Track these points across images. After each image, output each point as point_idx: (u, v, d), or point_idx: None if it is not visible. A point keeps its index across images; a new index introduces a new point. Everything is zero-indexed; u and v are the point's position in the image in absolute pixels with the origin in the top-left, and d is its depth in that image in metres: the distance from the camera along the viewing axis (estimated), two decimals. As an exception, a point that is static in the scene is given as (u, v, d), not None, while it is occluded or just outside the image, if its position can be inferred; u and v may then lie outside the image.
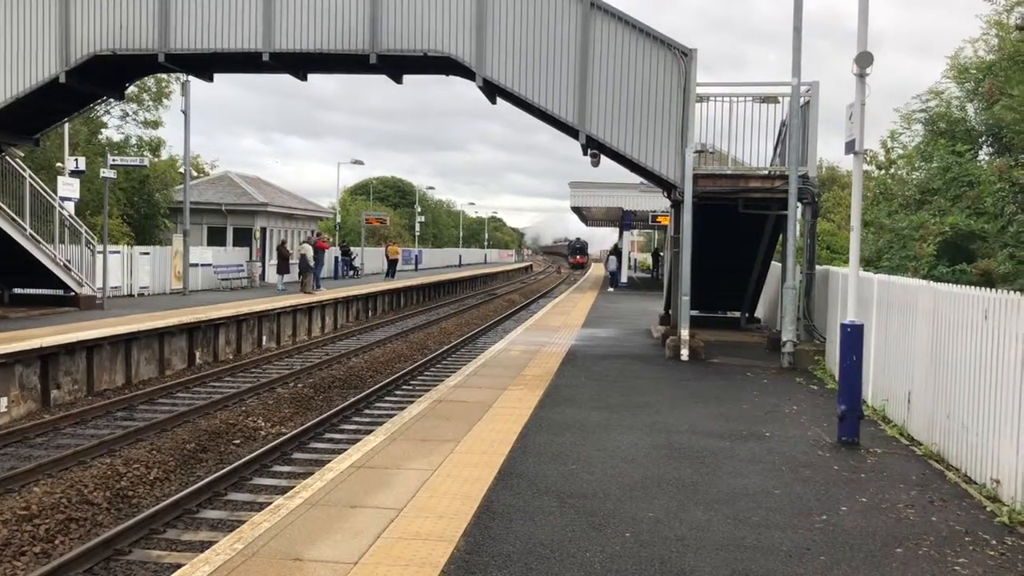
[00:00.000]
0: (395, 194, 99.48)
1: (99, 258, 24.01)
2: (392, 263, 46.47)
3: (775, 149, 17.38)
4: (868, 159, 24.60)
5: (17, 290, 22.63)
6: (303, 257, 31.16)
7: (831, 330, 14.74)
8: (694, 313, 16.54)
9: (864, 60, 9.68)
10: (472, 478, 7.70)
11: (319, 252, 34.60)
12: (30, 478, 10.80)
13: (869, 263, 19.99)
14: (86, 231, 23.91)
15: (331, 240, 49.29)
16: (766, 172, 16.54)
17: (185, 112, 30.72)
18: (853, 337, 9.78)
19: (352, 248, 49.02)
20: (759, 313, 22.68)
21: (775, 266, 20.32)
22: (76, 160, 26.28)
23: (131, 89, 29.32)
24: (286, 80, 18.71)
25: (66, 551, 8.59)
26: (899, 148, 25.65)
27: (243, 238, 37.22)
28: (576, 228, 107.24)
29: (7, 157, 20.39)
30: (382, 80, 18.22)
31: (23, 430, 13.41)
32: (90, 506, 9.89)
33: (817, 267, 16.96)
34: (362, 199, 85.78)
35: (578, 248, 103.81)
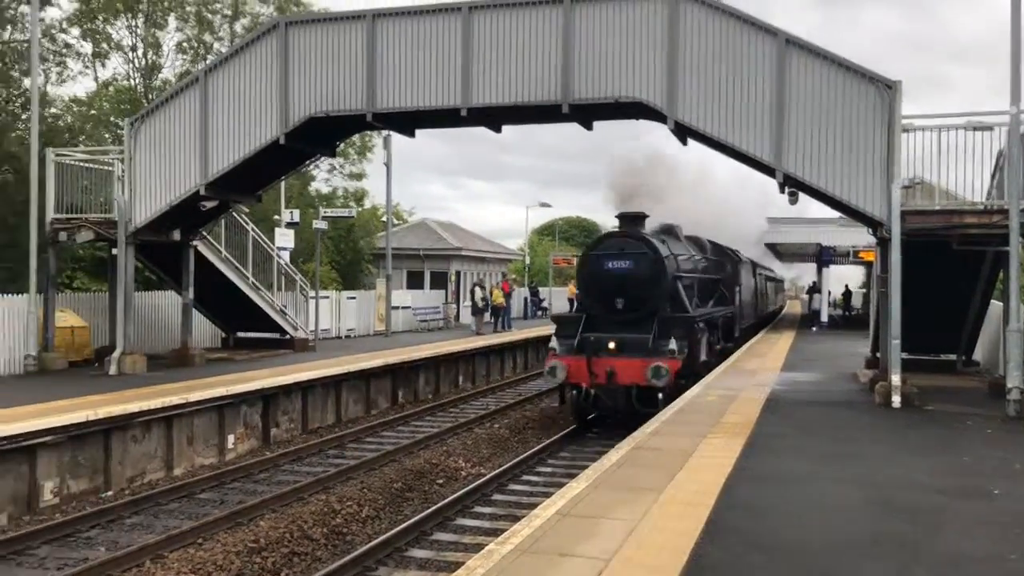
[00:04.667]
0: (580, 233, 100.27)
1: (311, 303, 25.73)
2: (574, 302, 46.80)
3: (992, 179, 16.21)
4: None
5: (240, 333, 24.60)
6: (475, 301, 32.28)
7: (1065, 376, 13.49)
8: (903, 355, 15.60)
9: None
10: (678, 530, 7.61)
11: (506, 294, 35.56)
12: (256, 512, 11.67)
13: (1107, 301, 18.13)
14: (300, 278, 25.75)
15: (519, 281, 50.45)
16: (982, 207, 15.43)
17: (387, 165, 32.61)
18: (1095, 387, 8.93)
19: (540, 288, 49.88)
20: (977, 355, 21.06)
21: (995, 305, 18.85)
22: (291, 212, 28.45)
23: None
24: (472, 128, 19.50)
25: (291, 584, 9.21)
26: None
27: (439, 281, 38.86)
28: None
29: (233, 212, 22.36)
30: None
31: (248, 466, 14.53)
32: (309, 541, 10.55)
33: (1045, 307, 15.59)
34: (548, 239, 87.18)
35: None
